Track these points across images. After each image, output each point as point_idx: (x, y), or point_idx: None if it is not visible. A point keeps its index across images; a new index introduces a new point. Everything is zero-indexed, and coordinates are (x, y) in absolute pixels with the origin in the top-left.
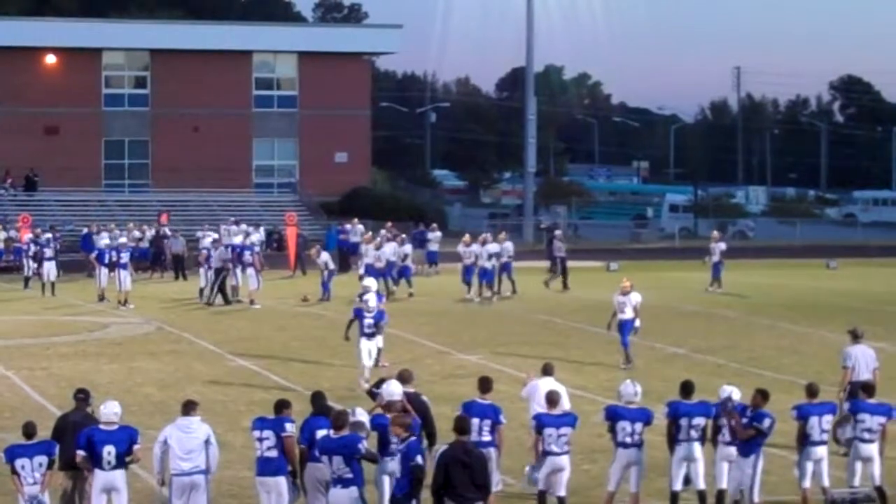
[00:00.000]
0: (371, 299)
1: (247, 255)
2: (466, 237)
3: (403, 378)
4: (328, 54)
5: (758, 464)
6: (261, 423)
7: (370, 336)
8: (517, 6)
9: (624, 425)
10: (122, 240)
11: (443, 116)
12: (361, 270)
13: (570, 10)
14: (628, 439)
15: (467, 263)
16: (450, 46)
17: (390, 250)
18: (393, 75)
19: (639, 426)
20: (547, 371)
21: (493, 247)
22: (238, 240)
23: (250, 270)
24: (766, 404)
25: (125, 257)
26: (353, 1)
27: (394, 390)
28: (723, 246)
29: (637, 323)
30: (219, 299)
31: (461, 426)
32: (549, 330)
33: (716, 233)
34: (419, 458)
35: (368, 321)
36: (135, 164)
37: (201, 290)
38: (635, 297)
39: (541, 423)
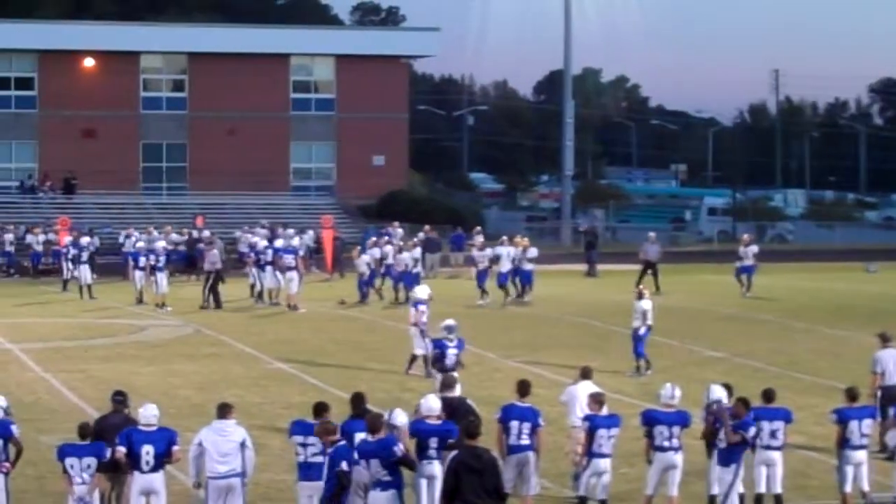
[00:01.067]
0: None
1: (288, 259)
2: (478, 241)
3: (447, 384)
4: (366, 57)
5: (739, 472)
6: (303, 428)
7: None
8: (555, 9)
9: (661, 429)
10: (160, 243)
11: (480, 119)
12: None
13: (607, 13)
14: (666, 443)
15: (481, 268)
16: (487, 49)
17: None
18: (430, 78)
19: (676, 430)
20: (586, 375)
21: (492, 251)
22: (279, 243)
23: (291, 274)
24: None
25: (162, 260)
26: (390, 4)
27: (432, 405)
28: (755, 249)
29: (641, 331)
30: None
31: (471, 430)
32: (586, 333)
33: (746, 236)
34: (344, 465)
35: (452, 352)
36: (172, 167)
37: (257, 291)
38: (645, 304)
39: (594, 424)
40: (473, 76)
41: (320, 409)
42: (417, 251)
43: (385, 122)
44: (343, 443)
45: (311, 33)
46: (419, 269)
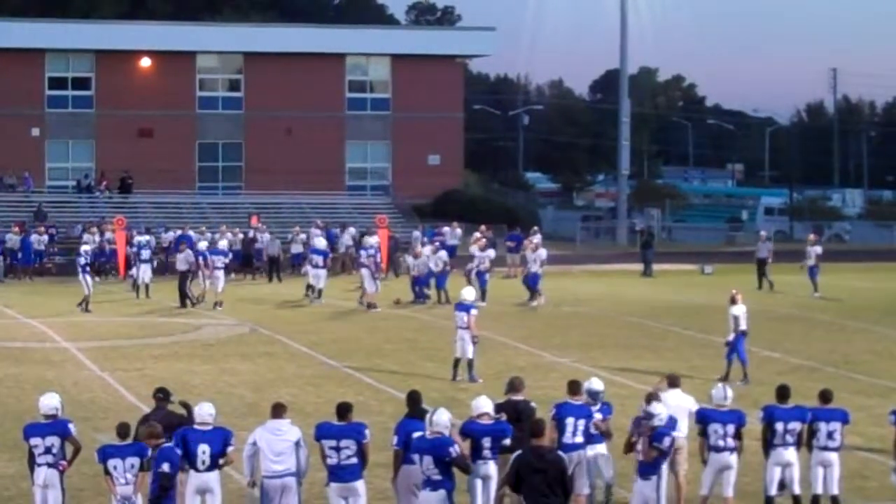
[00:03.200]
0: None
1: (363, 258)
2: (482, 241)
3: (514, 386)
4: (421, 57)
5: (661, 484)
6: (336, 431)
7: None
8: (611, 8)
9: (716, 428)
10: (202, 243)
11: (536, 119)
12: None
13: (663, 12)
14: (721, 443)
15: (482, 269)
16: (543, 49)
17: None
18: (486, 78)
19: (731, 429)
20: (673, 383)
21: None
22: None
23: (364, 272)
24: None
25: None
26: (446, 3)
27: (482, 405)
28: (818, 249)
29: (730, 337)
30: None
31: (536, 429)
32: (641, 332)
33: (812, 236)
34: (165, 466)
35: (597, 416)
36: (228, 167)
37: (313, 289)
38: (737, 310)
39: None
40: (529, 75)
41: (347, 409)
42: (443, 253)
43: (440, 122)
44: (167, 444)
45: (367, 33)
46: (447, 268)
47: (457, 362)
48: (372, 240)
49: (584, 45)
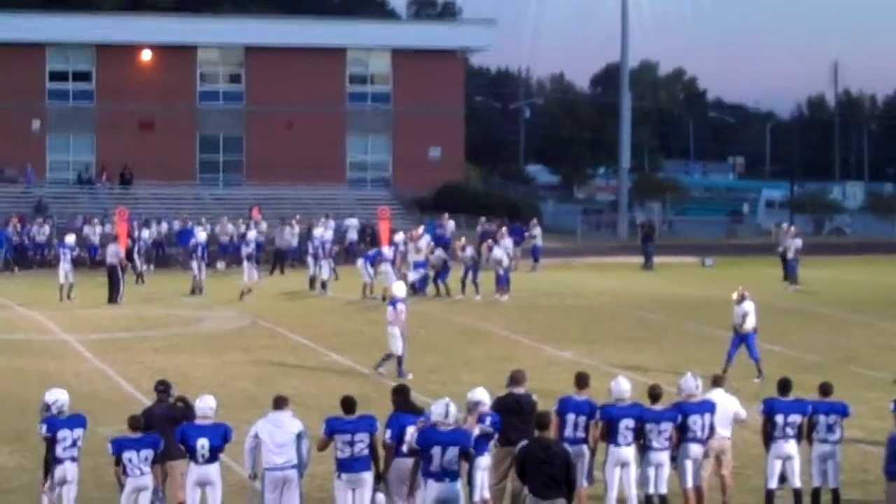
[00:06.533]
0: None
1: (388, 254)
2: (459, 242)
3: (516, 379)
4: (422, 51)
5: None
6: (350, 426)
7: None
8: (612, 2)
9: (695, 419)
10: (202, 234)
11: (536, 112)
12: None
13: (664, 6)
14: (700, 433)
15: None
16: (544, 42)
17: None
18: (486, 71)
19: (707, 418)
20: (717, 383)
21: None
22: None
23: (386, 266)
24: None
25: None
26: None
27: (480, 397)
28: (798, 243)
29: (750, 334)
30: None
31: (541, 421)
32: (642, 325)
33: (793, 228)
34: None
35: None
36: (229, 160)
37: (315, 281)
38: (748, 306)
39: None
40: (530, 69)
41: (354, 403)
42: (440, 251)
43: (441, 116)
44: None
45: (368, 26)
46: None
47: (399, 359)
48: (398, 236)
49: (585, 39)
